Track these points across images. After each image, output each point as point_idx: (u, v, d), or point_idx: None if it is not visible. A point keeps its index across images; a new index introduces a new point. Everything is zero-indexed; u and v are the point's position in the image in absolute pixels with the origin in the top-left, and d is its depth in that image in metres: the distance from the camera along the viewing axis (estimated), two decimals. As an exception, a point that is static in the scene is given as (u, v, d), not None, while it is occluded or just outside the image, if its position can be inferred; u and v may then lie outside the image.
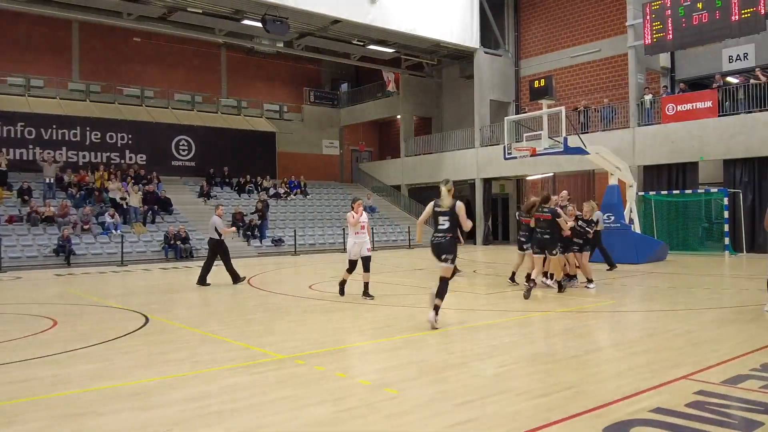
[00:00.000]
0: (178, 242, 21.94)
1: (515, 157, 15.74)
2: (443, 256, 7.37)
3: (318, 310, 9.62)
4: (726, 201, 18.61)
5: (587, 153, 16.18)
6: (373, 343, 7.07)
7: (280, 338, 7.39)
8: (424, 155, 30.76)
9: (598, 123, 23.31)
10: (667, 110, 21.16)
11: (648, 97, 22.06)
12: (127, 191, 23.90)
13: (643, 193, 20.76)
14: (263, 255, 23.43)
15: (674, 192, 20.04)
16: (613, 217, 16.70)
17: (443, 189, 7.48)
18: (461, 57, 29.68)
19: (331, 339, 7.29)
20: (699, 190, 19.68)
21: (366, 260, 9.98)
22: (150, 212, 23.85)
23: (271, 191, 28.85)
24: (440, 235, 7.47)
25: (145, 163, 28.09)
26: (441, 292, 7.40)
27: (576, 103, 25.25)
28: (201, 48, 31.69)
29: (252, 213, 25.58)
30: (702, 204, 19.86)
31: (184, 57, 31.39)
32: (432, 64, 31.59)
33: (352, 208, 10.10)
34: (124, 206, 23.22)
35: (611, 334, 7.43)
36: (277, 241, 24.39)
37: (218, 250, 12.66)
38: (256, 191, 28.70)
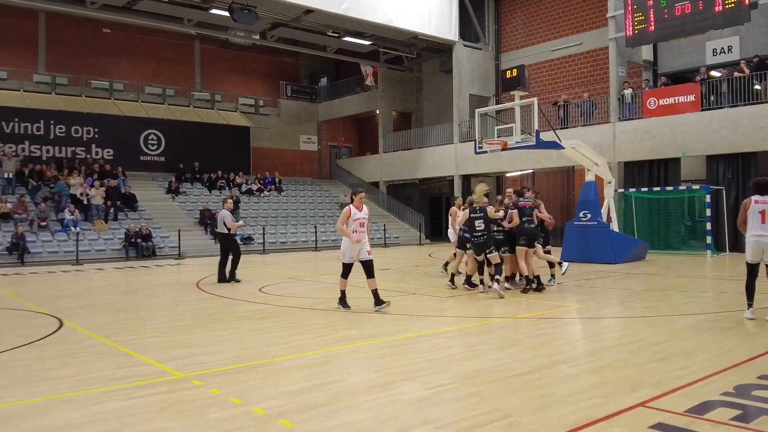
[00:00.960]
0: (140, 240, 20.93)
1: (486, 152, 14.97)
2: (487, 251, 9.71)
3: (255, 316, 8.70)
4: (708, 198, 18.05)
5: (562, 147, 15.47)
6: (296, 358, 6.14)
7: (194, 351, 6.47)
8: (403, 151, 30.14)
9: (578, 118, 22.71)
10: (649, 104, 20.54)
11: (628, 91, 21.48)
12: (89, 187, 22.80)
13: (623, 190, 20.23)
14: (231, 253, 22.38)
15: (655, 189, 19.45)
16: (589, 215, 16.10)
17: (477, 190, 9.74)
18: (440, 50, 28.99)
19: (251, 353, 6.37)
20: (681, 187, 19.18)
21: (368, 265, 8.54)
22: (113, 209, 22.80)
23: (244, 187, 28.08)
24: (478, 234, 9.80)
25: (111, 158, 27.18)
26: (498, 271, 9.67)
27: (556, 98, 24.65)
28: (173, 40, 30.75)
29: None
30: (684, 201, 19.35)
31: (155, 49, 30.40)
32: (411, 57, 30.92)
33: (352, 201, 8.65)
34: (85, 202, 22.14)
35: (569, 346, 6.54)
36: (246, 239, 23.50)
37: (227, 245, 12.48)
38: (227, 187, 27.74)
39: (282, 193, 29.40)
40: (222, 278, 12.55)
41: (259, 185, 28.63)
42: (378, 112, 31.70)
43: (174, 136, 28.57)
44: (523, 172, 25.18)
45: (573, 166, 22.97)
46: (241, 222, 13.40)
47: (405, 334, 7.18)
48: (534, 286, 10.32)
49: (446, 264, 11.95)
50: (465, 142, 26.46)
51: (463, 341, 6.76)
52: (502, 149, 14.48)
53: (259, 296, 10.77)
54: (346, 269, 8.61)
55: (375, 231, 27.09)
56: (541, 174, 25.03)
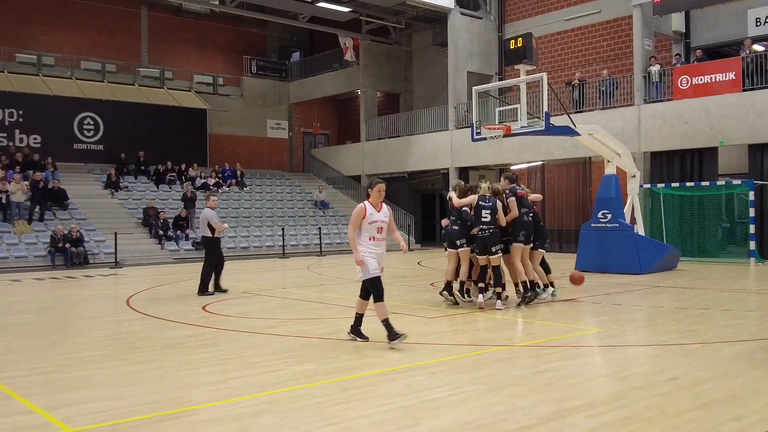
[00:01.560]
0: (69, 245, 20.13)
1: (484, 138, 14.45)
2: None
3: (188, 344, 7.99)
4: (752, 196, 17.70)
5: (577, 134, 14.99)
6: (225, 405, 5.42)
7: (95, 394, 5.77)
8: (389, 139, 29.81)
9: (596, 100, 22.40)
10: (680, 84, 20.24)
11: (656, 68, 21.11)
12: (8, 182, 21.94)
13: (650, 186, 20.01)
14: (180, 261, 21.96)
15: (688, 184, 19.24)
16: (609, 215, 15.72)
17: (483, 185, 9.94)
18: (434, 20, 28.57)
19: (169, 397, 5.67)
20: (718, 183, 18.93)
21: (374, 284, 7.38)
22: (38, 207, 21.98)
23: (198, 182, 27.41)
24: (484, 227, 9.93)
25: (39, 146, 26.50)
26: (497, 280, 9.89)
27: (570, 76, 24.26)
28: (116, 5, 30.07)
29: (172, 209, 24.21)
30: (722, 199, 19.35)
31: (94, 16, 29.65)
32: (399, 28, 30.47)
33: (368, 196, 7.63)
34: (2, 201, 21.29)
35: (585, 386, 5.86)
36: (199, 244, 22.54)
37: (211, 250, 12.50)
38: (179, 182, 27.08)
39: (244, 189, 28.90)
40: (204, 289, 12.45)
41: (216, 179, 28.05)
42: (360, 92, 31.27)
43: (115, 120, 28.00)
44: (531, 165, 24.75)
45: (590, 158, 22.62)
46: (226, 225, 13.22)
47: (374, 369, 6.51)
48: (537, 294, 10.17)
49: (449, 286, 10.60)
50: (462, 128, 25.94)
51: (447, 380, 6.08)
52: (505, 135, 14.02)
53: (200, 317, 10.11)
54: (376, 285, 7.37)
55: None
56: (552, 167, 24.56)
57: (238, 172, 29.27)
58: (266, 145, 33.87)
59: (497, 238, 9.79)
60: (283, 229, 24.38)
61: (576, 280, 11.17)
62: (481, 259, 9.98)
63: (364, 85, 30.71)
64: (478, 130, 14.57)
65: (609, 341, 7.88)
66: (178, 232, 23.25)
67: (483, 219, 9.80)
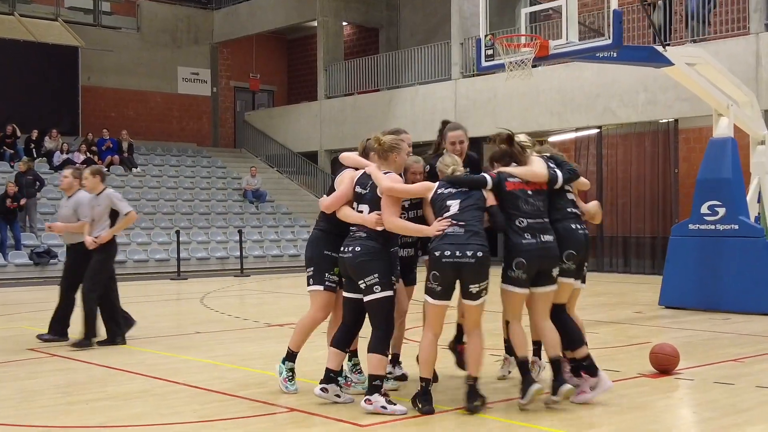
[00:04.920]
0: None
1: (498, 66, 12.55)
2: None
3: None
4: None
5: (667, 62, 12.89)
6: None
7: None
8: (361, 95, 29.04)
9: (686, 28, 20.79)
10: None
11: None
12: None
13: None
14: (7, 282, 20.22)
15: None
16: (722, 210, 13.67)
17: None
18: None
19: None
20: None
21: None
22: None
23: (58, 157, 25.64)
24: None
25: None
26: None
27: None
28: None
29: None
30: None
31: None
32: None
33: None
34: None
35: None
36: (43, 255, 21.63)
37: (105, 262, 10.84)
38: (30, 158, 25.05)
39: (133, 171, 27.58)
40: (55, 331, 10.61)
41: (87, 155, 26.16)
42: (317, 25, 30.37)
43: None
44: (579, 134, 23.63)
45: (676, 122, 21.51)
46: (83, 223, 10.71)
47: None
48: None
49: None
50: (472, 75, 25.03)
51: None
52: (538, 58, 12.10)
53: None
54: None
55: (305, 237, 25.18)
56: (614, 137, 23.14)
57: (124, 145, 27.67)
58: (177, 106, 33.20)
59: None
60: (178, 234, 22.45)
61: (665, 361, 8.50)
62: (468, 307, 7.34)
63: (323, 13, 29.81)
64: (489, 50, 12.47)
65: None
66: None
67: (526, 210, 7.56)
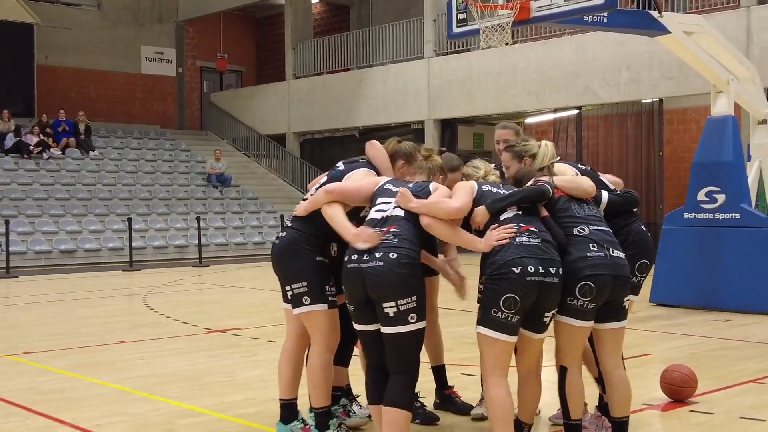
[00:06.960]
0: None
1: (475, 31, 11.45)
2: None
3: None
4: None
5: (663, 29, 12.00)
6: None
7: None
8: (330, 75, 28.91)
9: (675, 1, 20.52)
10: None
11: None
12: None
13: None
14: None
15: None
16: (722, 196, 12.86)
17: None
18: None
19: None
20: None
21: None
22: None
23: (10, 140, 25.39)
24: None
25: None
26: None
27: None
28: None
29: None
30: None
31: None
32: None
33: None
34: None
35: None
36: None
37: None
38: None
39: (90, 154, 26.84)
40: None
41: (41, 137, 25.55)
42: (285, 1, 30.36)
43: None
44: (558, 115, 23.32)
45: (661, 101, 20.92)
46: None
47: None
48: None
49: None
50: (446, 53, 24.99)
51: None
52: (517, 23, 11.06)
53: None
54: None
55: (271, 225, 25.52)
56: (595, 118, 22.87)
57: (81, 127, 26.98)
58: (140, 87, 32.78)
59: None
60: (130, 221, 21.45)
61: (678, 390, 7.09)
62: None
63: (292, -11, 29.72)
64: (462, 14, 11.55)
65: None
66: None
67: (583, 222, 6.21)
